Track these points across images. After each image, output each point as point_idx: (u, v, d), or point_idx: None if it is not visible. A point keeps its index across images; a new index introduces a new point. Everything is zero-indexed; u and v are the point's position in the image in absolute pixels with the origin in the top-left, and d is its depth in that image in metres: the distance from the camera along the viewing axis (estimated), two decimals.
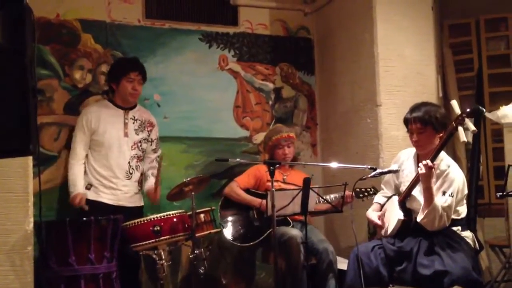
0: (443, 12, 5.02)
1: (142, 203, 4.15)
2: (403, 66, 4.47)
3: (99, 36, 4.48)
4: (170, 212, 3.78)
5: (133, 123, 4.08)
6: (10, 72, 1.72)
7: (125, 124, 4.04)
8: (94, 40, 4.47)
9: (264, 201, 4.03)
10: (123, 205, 3.98)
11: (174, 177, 4.42)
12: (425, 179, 3.16)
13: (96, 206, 3.90)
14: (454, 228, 3.32)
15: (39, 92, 4.19)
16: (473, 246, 3.31)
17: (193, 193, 3.74)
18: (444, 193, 3.20)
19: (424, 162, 3.14)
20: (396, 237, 3.37)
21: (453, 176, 3.26)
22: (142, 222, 3.68)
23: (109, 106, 4.07)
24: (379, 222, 3.51)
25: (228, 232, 4.09)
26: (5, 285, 3.18)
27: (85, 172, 3.99)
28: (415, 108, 3.37)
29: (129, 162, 4.02)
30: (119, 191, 3.98)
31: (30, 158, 3.24)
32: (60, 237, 3.44)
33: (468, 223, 3.58)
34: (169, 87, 4.70)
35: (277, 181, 4.15)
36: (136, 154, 4.06)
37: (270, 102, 5.08)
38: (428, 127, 3.28)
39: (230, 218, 4.15)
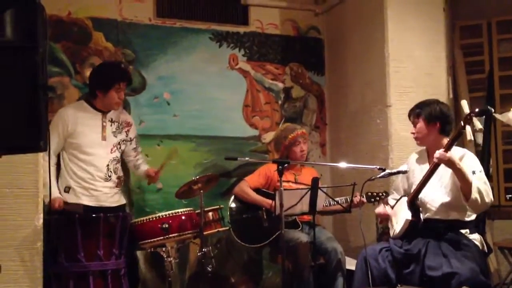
0: (455, 13, 5.00)
1: (124, 201, 4.07)
2: (414, 67, 4.46)
3: (110, 34, 4.50)
4: (179, 210, 3.79)
5: (111, 125, 3.96)
6: (22, 69, 1.73)
7: (103, 127, 3.92)
8: (105, 38, 4.49)
9: (273, 202, 4.03)
10: (105, 205, 3.87)
11: (183, 175, 4.43)
12: (449, 164, 3.19)
13: (78, 209, 3.78)
14: (463, 231, 3.32)
15: (50, 89, 4.20)
16: (481, 248, 3.31)
17: (201, 191, 3.76)
18: (474, 172, 3.23)
19: (436, 154, 3.20)
20: (403, 239, 3.38)
21: (472, 156, 3.38)
22: (151, 219, 3.71)
23: (87, 109, 3.91)
24: (383, 211, 3.57)
25: (236, 232, 4.10)
26: (14, 280, 3.20)
27: (62, 175, 3.87)
28: (416, 104, 3.58)
29: (107, 165, 3.91)
30: (99, 192, 3.87)
31: (41, 154, 3.27)
32: (69, 233, 3.46)
33: (477, 225, 3.58)
34: (179, 85, 4.72)
35: (288, 181, 4.15)
36: (116, 157, 3.96)
37: (280, 102, 5.09)
38: (420, 119, 3.47)
39: (239, 218, 4.16)
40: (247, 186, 4.19)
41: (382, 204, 3.66)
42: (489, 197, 3.20)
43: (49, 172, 3.47)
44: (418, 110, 3.49)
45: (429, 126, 3.43)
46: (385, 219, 3.66)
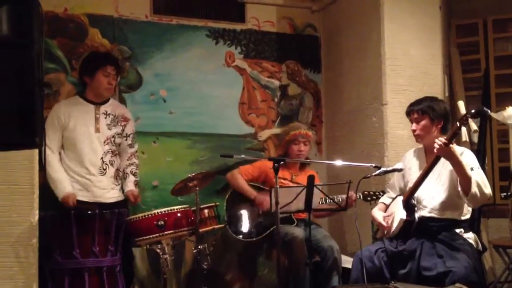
0: (451, 11, 5.01)
1: (122, 197, 4.06)
2: (410, 65, 4.47)
3: (106, 30, 4.49)
4: (174, 207, 3.79)
5: (105, 118, 3.97)
6: (18, 65, 1.73)
7: (96, 119, 3.93)
8: (101, 35, 4.47)
9: (258, 194, 4.09)
10: (100, 201, 3.88)
11: (179, 172, 4.43)
12: (448, 156, 3.17)
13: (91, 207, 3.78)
14: (457, 230, 3.33)
15: (46, 85, 4.20)
16: (475, 247, 3.32)
17: (197, 188, 3.76)
18: (472, 169, 3.22)
19: (438, 140, 3.16)
20: (398, 239, 3.38)
21: (470, 154, 3.38)
22: (147, 216, 3.70)
23: (80, 102, 3.95)
24: (383, 223, 3.51)
25: (232, 226, 4.12)
26: (9, 276, 3.20)
27: None
28: (416, 100, 3.55)
29: (102, 158, 3.91)
30: (94, 188, 3.88)
31: (36, 151, 3.26)
32: (65, 230, 3.46)
33: (471, 224, 3.59)
34: (175, 82, 4.71)
35: (285, 179, 4.18)
36: (110, 149, 3.96)
37: (276, 100, 5.08)
38: (425, 116, 3.43)
39: (235, 212, 4.18)
40: (238, 173, 4.25)
41: (380, 212, 3.63)
42: (487, 188, 3.19)
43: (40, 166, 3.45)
44: (423, 107, 3.44)
45: (433, 124, 3.42)
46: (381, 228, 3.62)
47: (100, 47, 4.45)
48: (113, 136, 3.99)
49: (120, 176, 4.06)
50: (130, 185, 4.09)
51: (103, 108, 3.98)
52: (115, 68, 3.97)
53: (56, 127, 3.85)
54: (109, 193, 3.96)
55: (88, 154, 3.87)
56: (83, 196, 3.86)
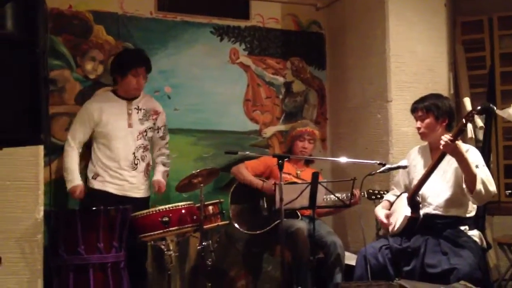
0: (456, 8, 4.99)
1: (148, 194, 4.13)
2: (415, 63, 4.46)
3: (111, 27, 4.49)
4: (179, 204, 3.80)
5: (137, 113, 4.05)
6: (23, 62, 1.74)
7: (129, 115, 4.02)
8: (106, 32, 4.48)
9: (265, 182, 4.14)
10: (129, 195, 3.97)
11: (183, 169, 4.43)
12: (454, 153, 3.16)
13: (102, 196, 3.89)
14: (462, 228, 3.33)
15: (51, 82, 4.22)
16: (480, 244, 3.32)
17: (202, 185, 3.77)
18: (477, 166, 3.21)
19: (444, 138, 3.14)
20: (403, 236, 3.38)
21: (475, 151, 3.37)
22: (151, 212, 3.71)
23: (112, 98, 4.05)
24: (385, 221, 3.52)
25: (236, 219, 4.13)
26: (15, 272, 3.22)
27: (92, 162, 3.99)
28: (420, 98, 3.55)
29: (134, 153, 3.99)
30: (125, 182, 3.96)
31: (41, 147, 3.28)
32: (70, 226, 3.48)
33: (476, 221, 3.59)
34: (180, 79, 4.71)
35: (289, 173, 4.20)
36: (142, 144, 4.04)
37: (281, 96, 5.08)
38: (430, 114, 3.43)
39: (240, 206, 4.20)
40: (244, 168, 4.30)
41: (383, 210, 3.63)
42: (492, 186, 3.19)
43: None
44: (427, 105, 3.44)
45: (438, 122, 3.42)
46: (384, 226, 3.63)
47: (105, 44, 4.45)
48: (145, 131, 4.07)
49: (150, 172, 4.12)
50: (158, 175, 4.16)
51: (134, 103, 4.06)
52: (145, 68, 4.03)
53: (85, 123, 3.95)
54: (138, 189, 4.04)
55: (120, 149, 3.95)
56: (113, 189, 3.94)
